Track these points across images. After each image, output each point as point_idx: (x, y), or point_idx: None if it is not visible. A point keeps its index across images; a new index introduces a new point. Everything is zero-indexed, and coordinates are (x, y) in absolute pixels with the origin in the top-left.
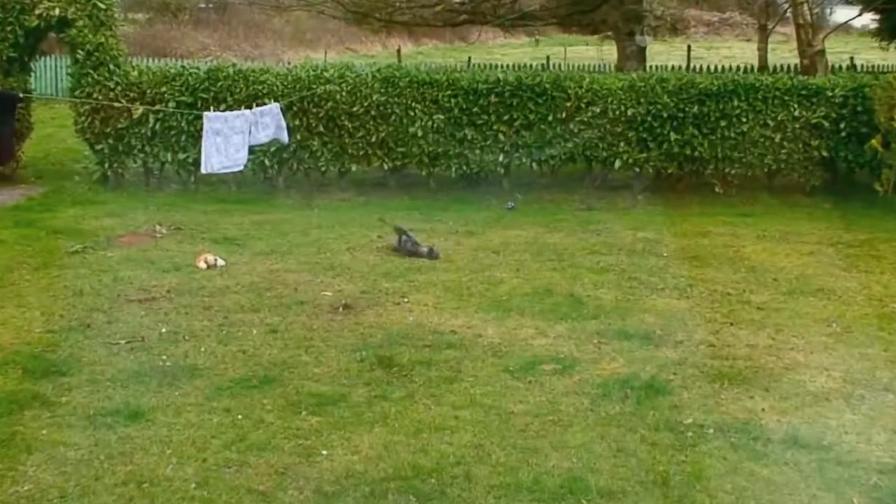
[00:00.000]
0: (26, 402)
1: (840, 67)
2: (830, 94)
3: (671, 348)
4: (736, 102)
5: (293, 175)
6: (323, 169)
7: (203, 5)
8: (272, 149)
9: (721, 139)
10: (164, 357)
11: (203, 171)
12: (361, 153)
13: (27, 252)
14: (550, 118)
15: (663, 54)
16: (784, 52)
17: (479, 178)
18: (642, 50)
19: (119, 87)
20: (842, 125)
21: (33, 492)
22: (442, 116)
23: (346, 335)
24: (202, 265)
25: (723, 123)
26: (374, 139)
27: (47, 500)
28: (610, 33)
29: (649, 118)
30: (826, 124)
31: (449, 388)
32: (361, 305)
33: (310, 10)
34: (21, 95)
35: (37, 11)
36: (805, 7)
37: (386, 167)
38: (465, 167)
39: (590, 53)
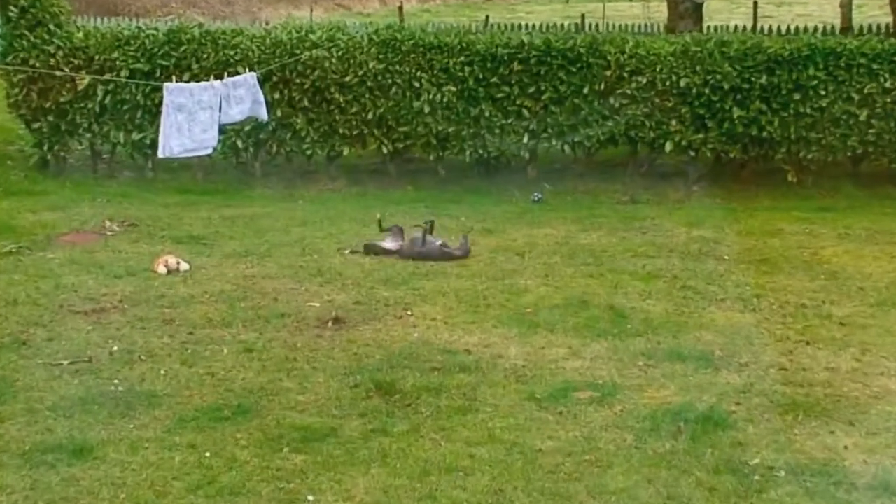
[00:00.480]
0: None
1: None
2: None
3: (734, 372)
4: (813, 71)
5: (272, 160)
6: (308, 152)
7: None
8: (247, 128)
9: (795, 116)
10: (116, 381)
11: (162, 154)
12: (355, 133)
13: None
14: (586, 91)
15: (724, 12)
16: (873, 9)
17: (498, 165)
18: (698, 7)
19: (61, 53)
20: None
21: None
22: (453, 89)
23: (336, 355)
24: (162, 270)
25: (797, 97)
26: (370, 116)
27: None
28: None
29: (707, 90)
30: None
31: (462, 420)
32: (355, 319)
33: None
34: None
35: None
36: None
37: (385, 151)
38: (481, 151)
39: (634, 11)
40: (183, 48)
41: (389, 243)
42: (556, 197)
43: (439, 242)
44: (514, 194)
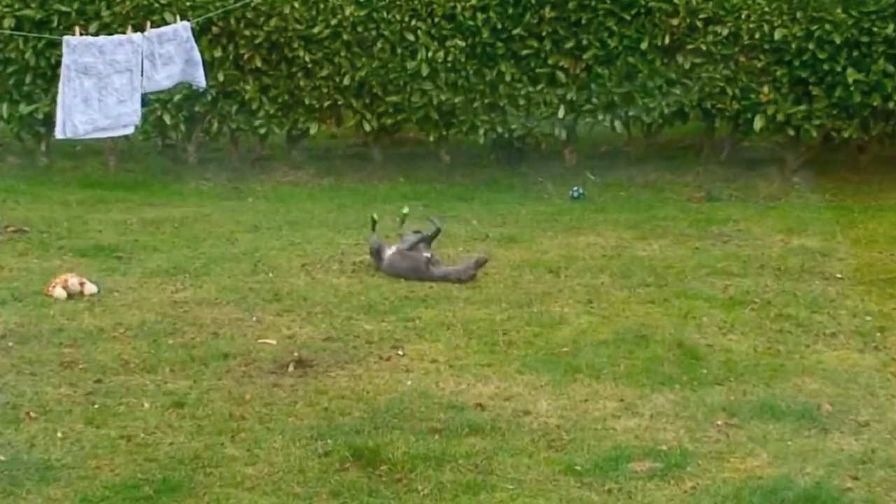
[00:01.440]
0: None
1: None
2: None
3: (849, 435)
4: None
5: (212, 142)
6: (262, 131)
7: None
8: (177, 98)
9: None
10: None
11: (61, 134)
12: (326, 105)
13: None
14: (644, 46)
15: None
16: None
17: (524, 148)
18: None
19: None
20: None
21: None
22: (461, 44)
23: (299, 412)
24: (59, 293)
25: None
26: (347, 82)
27: None
28: None
29: (811, 46)
30: None
31: (473, 501)
32: (326, 361)
33: None
34: None
35: None
36: None
37: (368, 129)
38: (500, 129)
39: None
40: None
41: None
42: (603, 192)
43: (427, 255)
44: (547, 189)
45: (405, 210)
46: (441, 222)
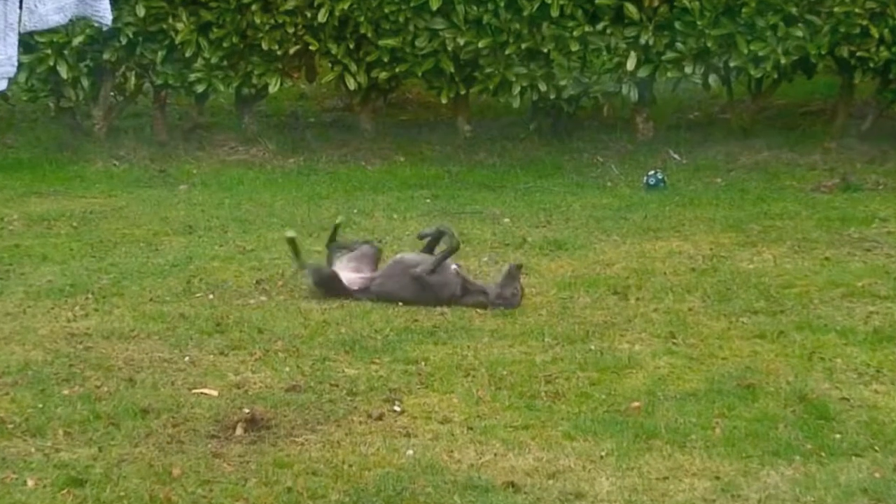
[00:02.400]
0: None
1: None
2: None
3: None
4: None
5: (128, 104)
6: (200, 89)
7: None
8: (76, 40)
9: None
10: None
11: None
12: (293, 52)
13: None
14: None
15: None
16: None
17: (578, 114)
18: None
19: None
20: None
21: None
22: None
23: (251, 494)
24: None
25: None
26: (322, 18)
27: None
28: None
29: None
30: None
31: None
32: (290, 421)
33: None
34: None
35: None
36: None
37: (352, 86)
38: (542, 87)
39: None
40: None
41: (347, 272)
42: (692, 178)
43: (454, 268)
44: (610, 172)
45: (339, 219)
46: (453, 229)
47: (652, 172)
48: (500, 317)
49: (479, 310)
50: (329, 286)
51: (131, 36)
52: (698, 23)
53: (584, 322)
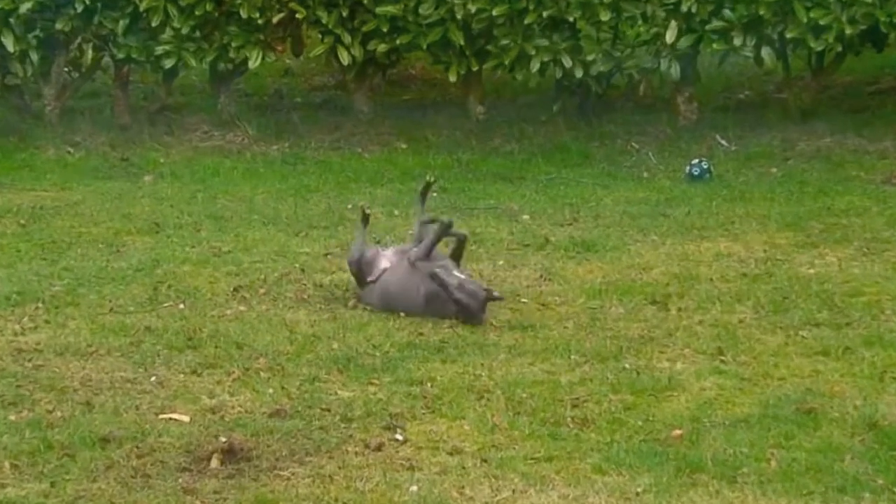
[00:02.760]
0: None
1: None
2: None
3: None
4: None
5: (84, 81)
6: (169, 64)
7: None
8: (23, 6)
9: None
10: None
11: None
12: (276, 21)
13: None
14: None
15: None
16: None
17: (609, 94)
18: None
19: None
20: None
21: None
22: None
23: None
24: None
25: None
26: None
27: None
28: None
29: None
30: None
31: None
32: (274, 452)
33: None
34: None
35: None
36: None
37: (346, 60)
38: (569, 62)
39: None
40: None
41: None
42: (743, 168)
43: (464, 276)
44: (647, 161)
45: (430, 178)
46: (457, 223)
47: (696, 161)
48: (518, 330)
49: (494, 322)
50: (358, 270)
51: (88, 3)
52: None
53: (616, 336)
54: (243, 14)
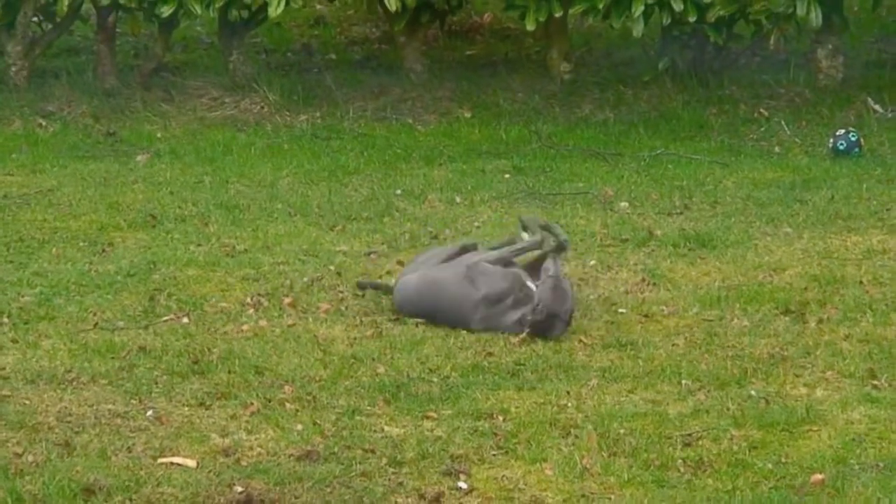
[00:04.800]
0: None
1: None
2: None
3: None
4: None
5: (58, 35)
6: (166, 12)
7: None
8: None
9: None
10: None
11: None
12: None
13: None
14: None
15: None
16: None
17: (729, 48)
18: None
19: None
20: None
21: None
22: None
23: None
24: None
25: None
26: None
27: None
28: None
29: None
30: None
31: None
32: None
33: None
34: None
35: None
36: None
37: (393, 6)
38: (678, 6)
39: None
40: None
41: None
42: None
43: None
44: (779, 132)
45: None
46: (537, 212)
47: (841, 132)
48: (614, 349)
49: (583, 339)
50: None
51: None
52: None
53: (739, 356)
54: None
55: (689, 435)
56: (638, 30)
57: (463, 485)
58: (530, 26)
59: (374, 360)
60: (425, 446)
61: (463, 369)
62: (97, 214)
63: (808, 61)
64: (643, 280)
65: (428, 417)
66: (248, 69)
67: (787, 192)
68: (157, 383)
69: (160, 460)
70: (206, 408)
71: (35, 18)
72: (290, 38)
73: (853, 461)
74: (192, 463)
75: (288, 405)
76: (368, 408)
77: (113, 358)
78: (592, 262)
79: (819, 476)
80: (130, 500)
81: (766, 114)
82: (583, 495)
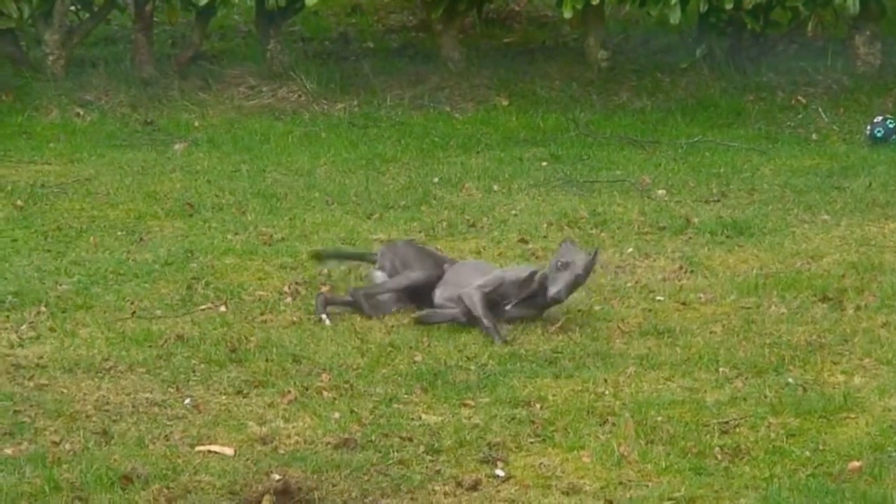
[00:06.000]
0: None
1: None
2: None
3: None
4: None
5: (91, 24)
6: (202, 1)
7: None
8: None
9: None
10: None
11: None
12: None
13: None
14: None
15: None
16: None
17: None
18: None
19: None
20: None
21: None
22: None
23: None
24: None
25: None
26: None
27: None
28: None
29: None
30: None
31: None
32: (343, 492)
33: None
34: None
35: None
36: None
37: None
38: None
39: None
40: None
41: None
42: None
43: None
44: (817, 119)
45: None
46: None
47: (879, 119)
48: (652, 336)
49: (621, 326)
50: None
51: None
52: None
53: (777, 343)
54: None
55: (727, 422)
56: (675, 17)
57: (500, 472)
58: (567, 14)
59: (411, 348)
60: (462, 434)
61: (500, 357)
62: (135, 203)
63: (845, 48)
64: (680, 268)
65: (465, 405)
66: (285, 58)
67: (824, 179)
68: (194, 372)
69: (198, 448)
70: (244, 396)
71: (72, 7)
72: (328, 27)
73: (891, 448)
74: (229, 451)
75: (325, 393)
76: (406, 396)
77: (150, 346)
78: (630, 250)
79: (856, 463)
80: (168, 488)
81: (803, 101)
82: (620, 483)
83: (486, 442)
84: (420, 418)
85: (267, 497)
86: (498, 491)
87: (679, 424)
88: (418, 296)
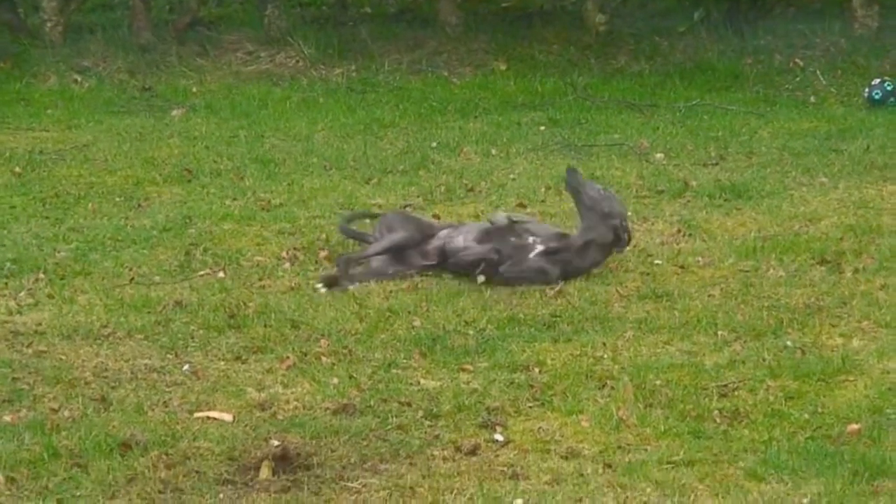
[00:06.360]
0: None
1: None
2: None
3: None
4: None
5: None
6: None
7: None
8: None
9: None
10: None
11: None
12: None
13: None
14: None
15: None
16: None
17: None
18: None
19: None
20: None
21: None
22: None
23: None
24: None
25: None
26: None
27: None
28: None
29: None
30: None
31: None
32: (341, 458)
33: None
34: None
35: None
36: None
37: None
38: None
39: None
40: None
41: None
42: None
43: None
44: (815, 82)
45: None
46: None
47: (877, 81)
48: (650, 300)
49: (619, 290)
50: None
51: None
52: None
53: (775, 306)
54: None
55: (726, 386)
56: None
57: (499, 437)
58: None
59: (409, 313)
60: (461, 399)
61: (499, 322)
62: (133, 169)
63: (843, 10)
64: (679, 231)
65: (464, 370)
66: (283, 23)
67: (822, 142)
68: (193, 338)
69: (196, 415)
70: (242, 362)
71: None
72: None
73: (889, 411)
74: (228, 417)
75: (324, 359)
76: (404, 361)
77: (149, 313)
78: (628, 214)
79: (855, 426)
80: (167, 454)
81: (801, 64)
82: (619, 447)
83: (484, 406)
84: (419, 383)
85: (266, 463)
86: (497, 455)
87: (678, 388)
88: (402, 256)
